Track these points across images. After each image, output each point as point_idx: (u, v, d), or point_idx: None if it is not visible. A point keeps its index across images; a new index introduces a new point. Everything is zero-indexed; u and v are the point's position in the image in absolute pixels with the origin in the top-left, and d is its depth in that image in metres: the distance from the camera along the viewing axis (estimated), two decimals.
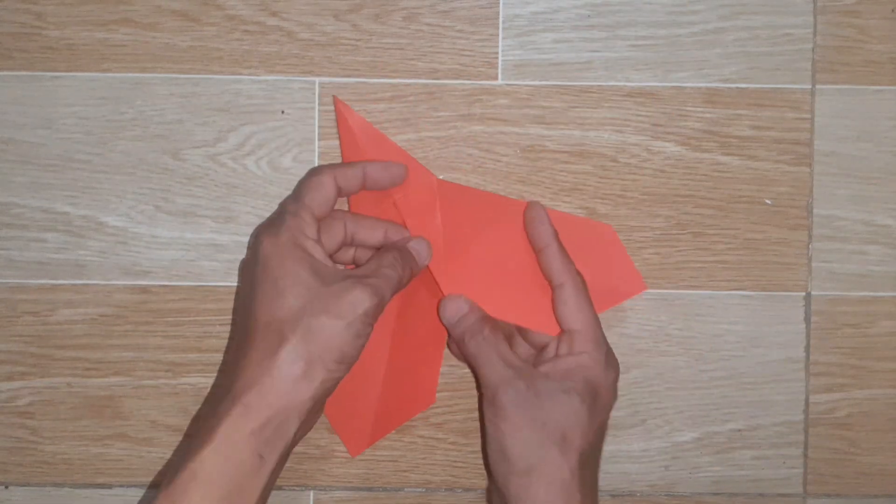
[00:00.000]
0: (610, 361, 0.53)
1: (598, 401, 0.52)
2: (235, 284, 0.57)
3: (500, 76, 0.57)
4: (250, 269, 0.51)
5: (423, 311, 0.56)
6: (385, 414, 0.56)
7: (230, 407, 0.48)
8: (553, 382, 0.51)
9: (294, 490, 0.57)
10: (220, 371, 0.57)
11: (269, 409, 0.48)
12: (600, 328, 0.53)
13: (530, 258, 0.55)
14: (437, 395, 0.57)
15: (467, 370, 0.57)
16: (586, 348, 0.52)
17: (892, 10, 0.57)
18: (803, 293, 0.57)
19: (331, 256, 0.52)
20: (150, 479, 0.57)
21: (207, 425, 0.48)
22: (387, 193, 0.55)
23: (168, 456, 0.57)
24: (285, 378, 0.48)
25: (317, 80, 0.57)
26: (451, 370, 0.57)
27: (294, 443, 0.49)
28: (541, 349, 0.54)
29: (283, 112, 0.57)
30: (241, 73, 0.57)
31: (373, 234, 0.54)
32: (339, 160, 0.57)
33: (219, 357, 0.57)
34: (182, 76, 0.57)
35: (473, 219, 0.55)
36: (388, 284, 0.51)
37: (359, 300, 0.49)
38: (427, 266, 0.55)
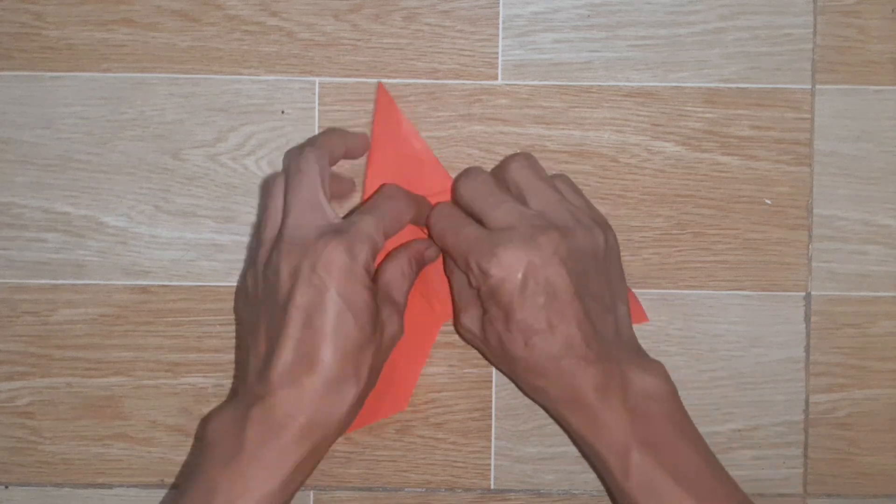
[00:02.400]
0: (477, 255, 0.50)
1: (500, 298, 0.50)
2: (235, 285, 0.57)
3: (500, 76, 0.57)
4: (300, 272, 0.48)
5: (413, 319, 0.55)
6: None
7: (279, 429, 0.47)
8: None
9: None
10: (255, 371, 0.50)
11: (324, 438, 0.48)
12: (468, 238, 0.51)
13: None
14: (437, 395, 0.57)
15: (466, 370, 0.57)
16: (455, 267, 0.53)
17: (893, 10, 0.57)
18: (803, 293, 0.57)
19: None
20: (151, 479, 0.57)
21: (247, 444, 0.47)
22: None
23: (168, 456, 0.57)
24: (341, 411, 0.48)
25: (317, 80, 0.57)
26: (451, 370, 0.57)
27: None
28: None
29: (283, 112, 0.57)
30: (241, 73, 0.57)
31: None
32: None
33: (219, 357, 0.57)
34: (182, 76, 0.57)
35: None
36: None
37: (397, 333, 0.52)
38: (424, 269, 0.55)
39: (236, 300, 0.56)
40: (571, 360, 0.49)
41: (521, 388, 0.54)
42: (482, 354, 0.56)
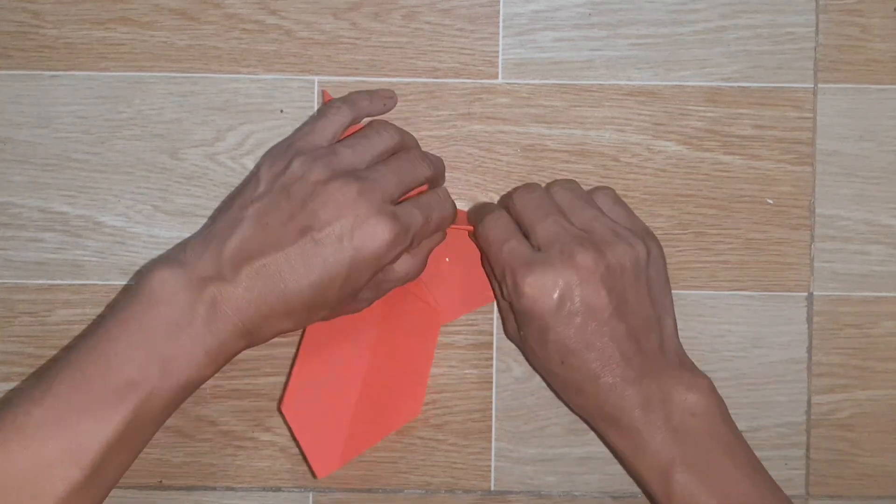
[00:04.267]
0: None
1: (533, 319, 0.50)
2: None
3: (500, 75, 0.56)
4: (340, 227, 0.47)
5: (410, 322, 0.55)
6: (360, 432, 0.54)
7: (224, 320, 0.47)
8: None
9: (293, 492, 0.57)
10: (228, 248, 0.48)
11: (250, 344, 0.49)
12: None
13: None
14: (438, 396, 0.57)
15: (467, 371, 0.57)
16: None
17: (895, 9, 0.57)
18: (805, 293, 0.57)
19: None
20: (148, 480, 0.57)
21: (194, 321, 0.46)
22: None
23: (166, 456, 0.57)
24: (274, 333, 0.49)
25: (316, 78, 0.56)
26: (451, 371, 0.57)
27: None
28: None
29: (281, 111, 0.56)
30: (239, 72, 0.56)
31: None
32: None
33: None
34: (180, 75, 0.56)
35: (462, 234, 0.56)
36: None
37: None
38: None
39: (270, 155, 0.52)
40: (610, 379, 0.49)
41: (562, 401, 0.55)
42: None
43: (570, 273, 0.49)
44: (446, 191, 0.53)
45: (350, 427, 0.54)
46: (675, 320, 0.52)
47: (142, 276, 0.48)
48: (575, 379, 0.50)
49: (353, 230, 0.47)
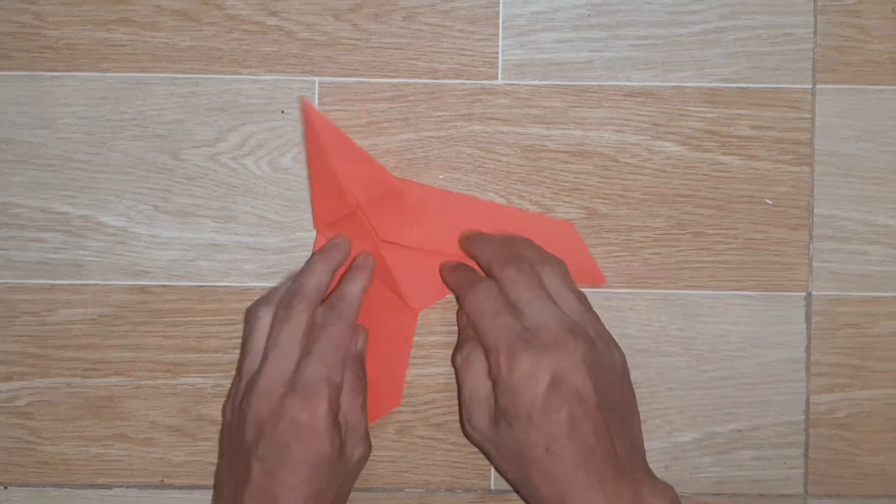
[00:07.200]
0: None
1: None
2: (234, 285, 0.57)
3: (500, 76, 0.57)
4: (264, 428, 0.51)
5: (388, 314, 0.56)
6: None
7: None
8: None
9: None
10: None
11: None
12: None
13: None
14: (437, 395, 0.57)
15: None
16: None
17: (893, 10, 0.57)
18: (804, 293, 0.57)
19: None
20: (150, 479, 0.57)
21: None
22: (350, 198, 0.55)
23: (167, 456, 0.57)
24: None
25: (316, 79, 0.57)
26: (451, 370, 0.57)
27: None
28: None
29: (282, 112, 0.57)
30: (240, 73, 0.56)
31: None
32: None
33: (218, 357, 0.57)
34: (182, 76, 0.57)
35: (445, 222, 0.56)
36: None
37: (364, 455, 0.55)
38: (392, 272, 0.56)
39: (222, 425, 0.56)
40: (589, 473, 0.49)
41: (525, 496, 0.52)
42: (486, 455, 0.54)
43: (564, 358, 0.49)
44: (342, 309, 0.53)
45: None
46: (641, 430, 0.53)
47: None
48: (555, 469, 0.49)
49: (280, 427, 0.51)
